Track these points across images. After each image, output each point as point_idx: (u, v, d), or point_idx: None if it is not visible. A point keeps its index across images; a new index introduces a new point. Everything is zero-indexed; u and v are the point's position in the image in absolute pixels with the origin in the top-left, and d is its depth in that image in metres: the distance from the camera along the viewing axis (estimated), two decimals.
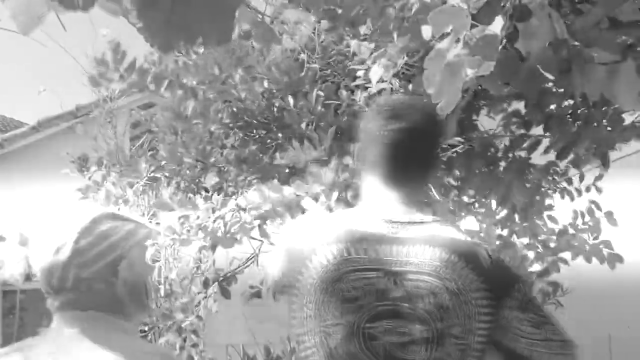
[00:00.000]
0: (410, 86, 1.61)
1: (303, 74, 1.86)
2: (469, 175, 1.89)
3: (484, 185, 1.87)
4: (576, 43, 1.80)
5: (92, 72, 1.96)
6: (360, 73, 1.78)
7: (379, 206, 1.21)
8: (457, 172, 1.93)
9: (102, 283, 1.12)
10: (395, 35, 1.44)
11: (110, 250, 1.14)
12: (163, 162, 2.46)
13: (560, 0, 1.65)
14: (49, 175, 5.56)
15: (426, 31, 1.34)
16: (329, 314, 1.12)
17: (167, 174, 2.54)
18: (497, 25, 1.20)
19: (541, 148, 2.28)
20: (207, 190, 2.87)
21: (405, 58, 1.44)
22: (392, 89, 1.59)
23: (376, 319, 1.10)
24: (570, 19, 1.64)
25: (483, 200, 1.83)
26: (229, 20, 0.82)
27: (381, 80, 1.50)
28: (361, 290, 1.11)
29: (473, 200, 1.82)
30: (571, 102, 2.38)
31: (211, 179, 2.82)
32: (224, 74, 1.88)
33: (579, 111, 2.34)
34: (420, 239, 1.14)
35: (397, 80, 1.56)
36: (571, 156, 2.37)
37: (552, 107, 2.39)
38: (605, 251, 2.39)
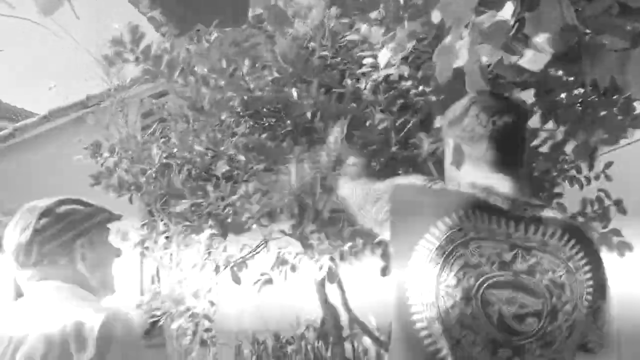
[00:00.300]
0: (419, 73, 1.62)
1: (308, 63, 1.87)
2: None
3: None
4: (587, 31, 1.80)
5: (107, 52, 1.98)
6: (366, 60, 1.78)
7: (495, 185, 1.27)
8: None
9: (63, 258, 1.28)
10: (405, 21, 1.45)
11: (67, 228, 1.29)
12: (175, 150, 2.49)
13: None
14: (59, 164, 5.62)
15: (436, 16, 1.35)
16: (450, 275, 1.18)
17: (178, 162, 2.57)
18: (507, 12, 1.21)
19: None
20: (217, 178, 2.90)
21: (414, 42, 1.44)
22: (400, 75, 1.60)
23: (496, 287, 1.16)
24: (581, 6, 1.64)
25: None
26: (244, 2, 0.84)
27: (389, 65, 1.51)
28: (486, 258, 1.18)
29: None
30: (581, 90, 2.38)
31: (222, 167, 2.85)
32: (232, 66, 1.89)
33: (589, 99, 2.34)
34: (543, 220, 1.23)
35: (407, 66, 1.57)
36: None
37: (562, 95, 2.39)
38: (615, 239, 2.39)
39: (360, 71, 1.79)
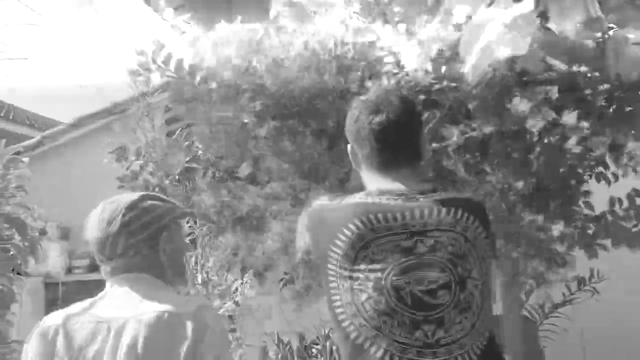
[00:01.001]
0: (443, 69, 1.62)
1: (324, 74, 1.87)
2: (502, 159, 1.89)
3: (518, 170, 1.87)
4: (611, 25, 1.78)
5: (131, 63, 2.03)
6: (388, 59, 1.79)
7: (387, 186, 1.37)
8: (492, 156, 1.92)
9: (146, 249, 1.36)
10: (424, 20, 1.46)
11: (152, 222, 1.37)
12: (199, 153, 2.53)
13: None
14: (87, 170, 5.73)
15: (460, 14, 1.36)
16: (359, 275, 1.28)
17: (202, 165, 2.60)
18: (529, 4, 1.20)
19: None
20: (241, 180, 2.93)
21: (439, 43, 1.45)
22: (425, 71, 1.61)
23: (403, 273, 1.26)
24: None
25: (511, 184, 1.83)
26: None
27: (416, 69, 1.52)
28: (388, 252, 1.27)
29: (507, 185, 1.81)
30: (606, 86, 2.34)
31: (245, 169, 2.88)
32: (245, 64, 1.91)
33: (615, 94, 2.30)
34: (434, 203, 1.32)
35: (431, 64, 1.57)
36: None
37: (587, 92, 2.35)
38: None
39: (383, 70, 1.79)
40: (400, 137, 1.37)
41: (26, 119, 8.22)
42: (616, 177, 2.45)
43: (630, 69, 1.62)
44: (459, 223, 1.30)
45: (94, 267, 5.45)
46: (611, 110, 2.29)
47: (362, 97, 1.46)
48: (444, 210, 1.31)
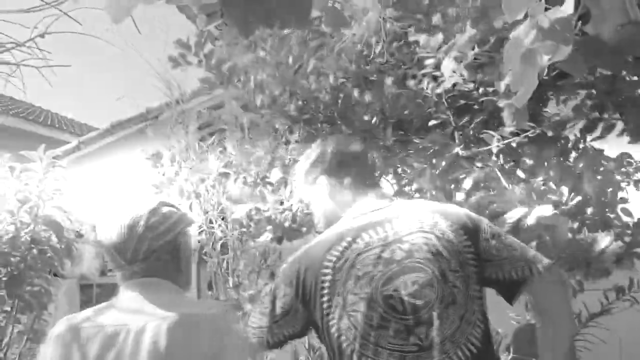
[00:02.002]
0: (478, 75, 1.60)
1: (370, 63, 1.88)
2: (538, 164, 1.86)
3: (554, 176, 1.83)
4: None
5: (174, 54, 2.06)
6: (428, 62, 1.78)
7: (357, 208, 1.48)
8: (527, 161, 1.89)
9: (167, 254, 1.37)
10: (465, 25, 1.45)
11: (173, 227, 1.39)
12: (231, 158, 2.56)
13: None
14: (121, 174, 5.86)
15: (498, 21, 1.35)
16: (351, 297, 1.32)
17: (234, 170, 2.63)
18: (569, 7, 1.18)
19: (614, 134, 2.20)
20: (272, 185, 2.95)
21: (476, 49, 1.44)
22: (463, 79, 1.60)
23: (389, 282, 1.31)
24: None
25: (554, 189, 1.80)
26: (306, 4, 0.87)
27: (453, 73, 1.52)
28: (370, 266, 1.33)
29: (543, 189, 1.78)
30: None
31: (276, 174, 2.90)
32: (297, 64, 1.93)
33: None
34: (400, 211, 1.42)
35: (467, 70, 1.56)
36: None
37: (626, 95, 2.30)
38: None
39: (422, 72, 1.79)
40: (366, 162, 1.57)
41: (64, 125, 8.44)
42: None
43: None
44: (426, 223, 1.37)
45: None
46: None
47: (324, 139, 1.65)
48: (409, 215, 1.40)
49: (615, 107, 2.27)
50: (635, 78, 2.25)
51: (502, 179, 1.81)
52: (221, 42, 2.46)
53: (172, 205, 1.47)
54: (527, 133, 1.63)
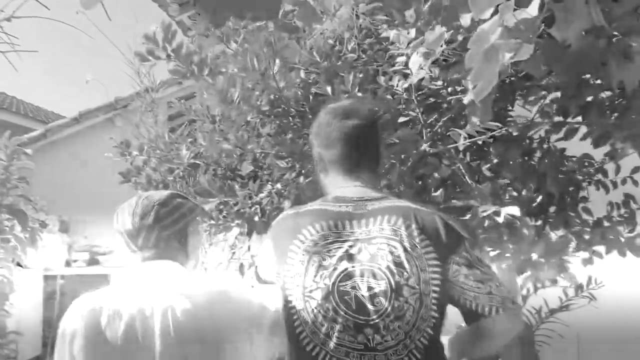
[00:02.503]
0: (448, 73, 1.63)
1: (341, 58, 1.89)
2: (503, 163, 1.91)
3: (518, 175, 1.88)
4: (615, 33, 1.79)
5: (140, 49, 2.04)
6: (399, 59, 1.80)
7: (344, 192, 1.46)
8: (493, 160, 1.93)
9: (176, 241, 1.51)
10: (434, 24, 1.47)
11: (181, 218, 1.52)
12: (202, 150, 2.53)
13: None
14: (88, 163, 5.76)
15: (465, 19, 1.37)
16: (310, 282, 1.34)
17: (205, 161, 2.61)
18: (534, 9, 1.22)
19: (578, 136, 2.26)
20: (242, 178, 2.94)
21: (444, 46, 1.46)
22: (431, 77, 1.62)
23: (347, 279, 1.33)
24: (608, 6, 1.64)
25: (518, 189, 1.84)
26: None
27: (420, 70, 1.54)
28: (336, 258, 1.35)
29: (508, 188, 1.83)
30: (609, 93, 2.35)
31: (247, 167, 2.89)
32: (263, 66, 1.93)
33: (616, 102, 2.32)
34: (380, 211, 1.39)
35: (437, 68, 1.58)
36: (607, 148, 2.35)
37: (589, 98, 2.37)
38: None
39: (392, 69, 1.81)
40: (367, 141, 1.48)
41: (29, 112, 8.23)
42: (615, 184, 2.48)
43: (632, 78, 1.63)
44: (399, 232, 1.35)
45: (93, 261, 5.45)
46: (612, 118, 2.32)
47: (333, 105, 1.54)
48: (386, 217, 1.37)
49: (579, 110, 2.33)
50: (599, 82, 2.32)
51: (466, 177, 1.84)
52: (193, 32, 2.44)
53: (182, 197, 1.59)
54: (494, 132, 1.67)
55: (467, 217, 1.69)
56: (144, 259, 1.48)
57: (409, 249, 1.33)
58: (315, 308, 1.33)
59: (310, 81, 2.13)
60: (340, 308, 1.32)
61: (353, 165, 1.48)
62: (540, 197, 1.91)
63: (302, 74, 2.07)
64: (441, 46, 1.43)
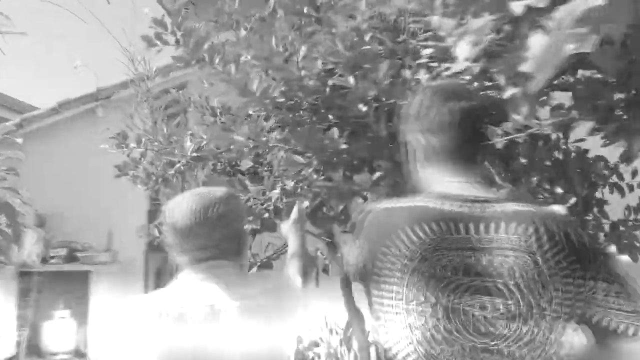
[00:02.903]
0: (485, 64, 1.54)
1: (368, 50, 1.79)
2: (532, 163, 1.83)
3: (548, 175, 1.81)
4: None
5: (148, 32, 1.91)
6: (426, 51, 1.71)
7: (451, 188, 1.21)
8: (520, 160, 1.86)
9: (233, 242, 1.45)
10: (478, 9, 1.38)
11: (240, 217, 1.50)
12: (203, 143, 2.40)
13: None
14: (66, 157, 5.52)
15: (517, 7, 1.28)
16: (417, 294, 1.13)
17: (206, 155, 2.48)
18: None
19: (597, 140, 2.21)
20: (242, 173, 2.81)
21: (492, 34, 1.37)
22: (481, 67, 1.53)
23: (464, 295, 1.12)
24: None
25: (548, 190, 1.77)
26: None
27: (468, 59, 1.44)
28: (449, 268, 1.13)
29: (538, 189, 1.75)
30: (623, 95, 2.30)
31: (246, 163, 2.76)
32: (288, 52, 1.81)
33: (631, 104, 2.27)
34: (503, 216, 1.14)
35: (485, 57, 1.49)
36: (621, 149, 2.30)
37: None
38: None
39: (417, 62, 1.71)
40: (479, 128, 1.26)
41: (4, 102, 7.92)
42: (631, 187, 2.44)
43: None
44: (529, 242, 1.12)
45: (71, 258, 5.23)
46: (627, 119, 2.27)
47: (435, 84, 1.33)
48: (513, 225, 1.14)
49: (588, 113, 2.28)
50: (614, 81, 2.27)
51: (496, 177, 1.76)
52: (201, 20, 2.31)
53: (237, 195, 1.55)
54: (531, 130, 1.59)
55: None
56: (200, 260, 1.40)
57: (541, 263, 1.11)
58: (423, 325, 1.12)
59: (328, 71, 2.02)
60: (455, 329, 1.11)
61: (464, 156, 1.24)
62: (573, 199, 1.83)
63: (319, 64, 1.95)
64: (489, 34, 1.34)
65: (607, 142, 2.34)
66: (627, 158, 2.42)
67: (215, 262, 1.40)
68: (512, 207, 1.17)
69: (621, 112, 2.36)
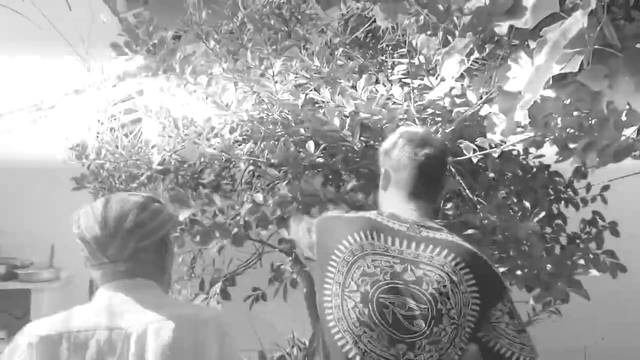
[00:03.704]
0: (468, 82, 1.58)
1: (343, 65, 1.80)
2: (500, 178, 1.88)
3: (516, 189, 1.87)
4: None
5: (118, 40, 1.84)
6: (400, 67, 1.73)
7: (401, 212, 1.50)
8: (488, 175, 1.91)
9: (153, 253, 1.29)
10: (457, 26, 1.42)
11: (162, 225, 1.29)
12: (167, 155, 2.33)
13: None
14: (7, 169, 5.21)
15: (501, 27, 1.33)
16: (351, 283, 1.41)
17: (170, 168, 2.41)
18: (583, 21, 1.19)
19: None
20: (204, 187, 2.75)
21: (476, 54, 1.41)
22: (461, 85, 1.57)
23: (389, 293, 1.39)
24: (619, 25, 1.66)
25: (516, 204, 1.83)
26: None
27: (452, 77, 1.48)
28: (380, 269, 1.41)
29: (508, 203, 1.80)
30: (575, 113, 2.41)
31: (209, 176, 2.71)
32: (263, 66, 1.79)
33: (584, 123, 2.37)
34: (434, 241, 1.43)
35: (467, 76, 1.53)
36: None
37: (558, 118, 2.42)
38: (608, 260, 2.43)
39: (392, 78, 1.73)
40: (435, 172, 1.53)
41: None
42: (585, 202, 2.55)
43: (622, 100, 1.65)
44: (448, 265, 1.39)
45: (10, 275, 4.93)
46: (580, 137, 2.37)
47: (406, 130, 1.58)
48: (438, 249, 1.41)
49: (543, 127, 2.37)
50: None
51: (467, 191, 1.80)
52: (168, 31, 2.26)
53: (159, 201, 1.35)
54: (505, 146, 1.64)
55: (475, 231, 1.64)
56: (115, 273, 1.24)
57: (455, 282, 1.38)
58: (353, 309, 1.39)
59: (296, 87, 2.02)
60: (377, 317, 1.37)
61: (417, 192, 1.51)
62: (543, 213, 1.90)
63: (292, 78, 1.94)
64: (473, 54, 1.38)
65: (560, 158, 2.45)
66: (579, 171, 2.54)
67: (128, 281, 1.25)
68: (443, 235, 1.45)
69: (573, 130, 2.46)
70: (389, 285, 1.39)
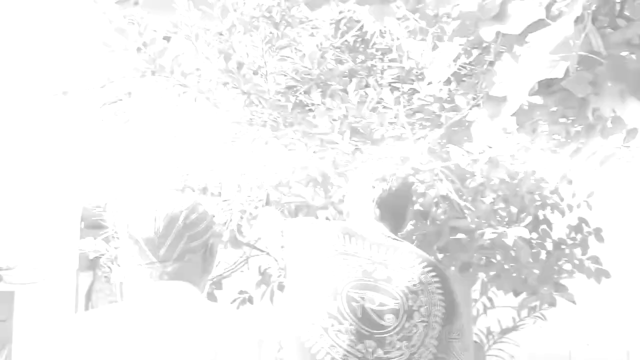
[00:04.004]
0: (455, 86, 1.59)
1: (333, 68, 1.81)
2: (487, 183, 1.90)
3: (503, 195, 1.88)
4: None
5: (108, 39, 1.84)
6: (393, 72, 1.74)
7: (368, 224, 1.58)
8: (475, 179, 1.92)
9: (199, 256, 1.25)
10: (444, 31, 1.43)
11: (209, 228, 1.27)
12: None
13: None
14: None
15: (488, 33, 1.34)
16: (320, 279, 1.45)
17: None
18: (569, 27, 1.21)
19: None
20: (192, 190, 2.74)
21: (462, 57, 1.43)
22: (449, 89, 1.58)
23: (359, 289, 1.42)
24: (606, 33, 1.68)
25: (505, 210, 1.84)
26: None
27: (441, 80, 1.50)
28: (350, 267, 1.45)
29: (495, 208, 1.82)
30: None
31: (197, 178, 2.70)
32: (256, 64, 1.79)
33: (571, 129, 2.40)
34: (402, 247, 1.52)
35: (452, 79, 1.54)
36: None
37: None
38: (593, 266, 2.45)
39: (381, 82, 1.75)
40: (398, 204, 1.60)
41: None
42: (570, 208, 2.57)
43: (607, 107, 1.68)
44: (417, 267, 1.45)
45: None
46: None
47: (369, 168, 1.67)
48: (406, 254, 1.49)
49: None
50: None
51: (456, 197, 1.81)
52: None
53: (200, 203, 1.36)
54: (492, 151, 1.65)
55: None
56: (162, 274, 1.23)
57: (424, 282, 1.43)
58: (320, 304, 1.41)
59: (287, 89, 2.02)
60: (346, 311, 1.39)
61: (380, 217, 1.57)
62: (530, 218, 1.92)
63: (284, 80, 1.95)
64: (459, 57, 1.40)
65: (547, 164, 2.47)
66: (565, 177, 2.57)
67: (174, 282, 1.24)
68: (407, 246, 1.55)
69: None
70: (359, 282, 1.43)
